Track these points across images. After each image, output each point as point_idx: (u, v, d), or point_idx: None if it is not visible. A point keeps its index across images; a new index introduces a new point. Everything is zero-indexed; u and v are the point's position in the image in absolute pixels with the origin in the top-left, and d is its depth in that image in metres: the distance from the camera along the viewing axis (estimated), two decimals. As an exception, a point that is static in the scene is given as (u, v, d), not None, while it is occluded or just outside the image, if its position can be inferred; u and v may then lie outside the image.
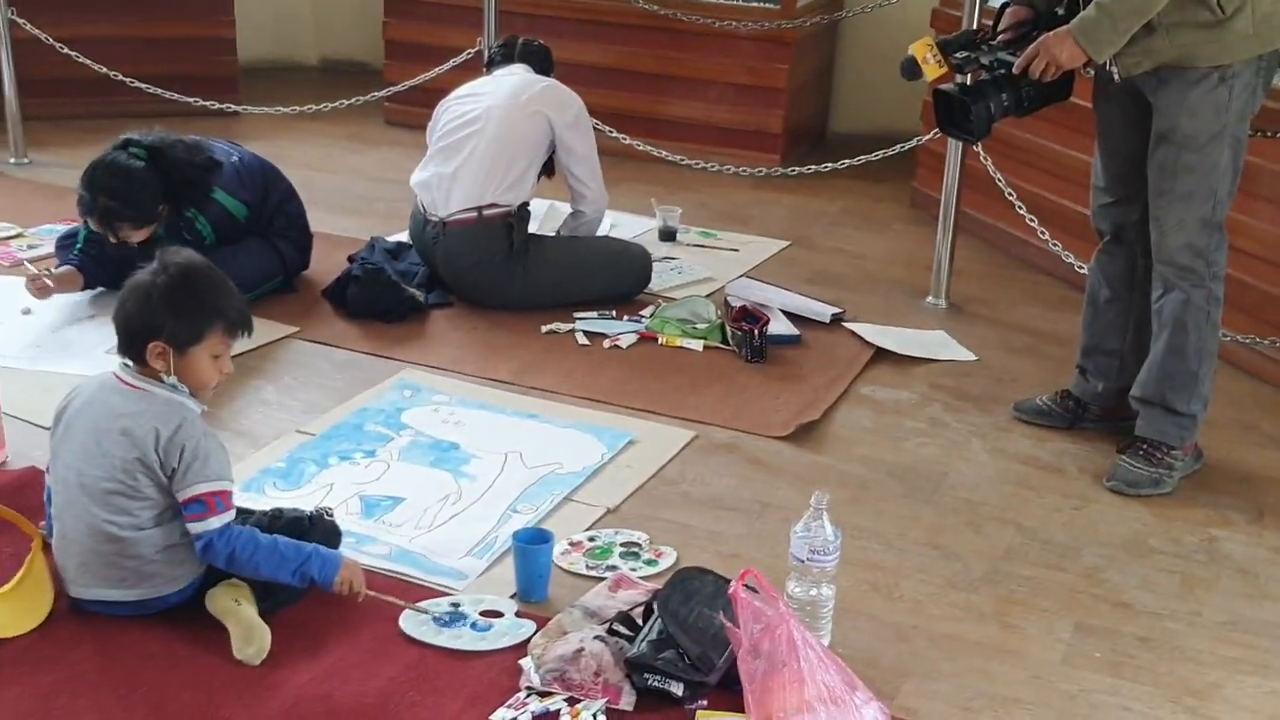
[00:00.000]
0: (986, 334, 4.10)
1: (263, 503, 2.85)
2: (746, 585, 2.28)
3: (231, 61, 6.02)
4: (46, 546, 2.57)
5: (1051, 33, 3.03)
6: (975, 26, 3.33)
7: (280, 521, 2.59)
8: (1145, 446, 3.23)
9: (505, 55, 4.30)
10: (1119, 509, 3.13)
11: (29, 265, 3.97)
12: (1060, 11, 3.14)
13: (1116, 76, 3.07)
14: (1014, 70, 3.10)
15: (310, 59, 7.05)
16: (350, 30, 6.94)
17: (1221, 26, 2.92)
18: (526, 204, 4.05)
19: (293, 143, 5.67)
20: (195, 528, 2.40)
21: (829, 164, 4.83)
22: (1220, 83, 2.97)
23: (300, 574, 2.45)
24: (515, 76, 4.15)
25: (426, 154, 4.17)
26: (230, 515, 2.43)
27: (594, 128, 4.25)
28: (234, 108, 5.60)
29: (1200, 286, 3.11)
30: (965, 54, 3.22)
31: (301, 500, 2.92)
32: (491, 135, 3.97)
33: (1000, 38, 3.21)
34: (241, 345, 3.62)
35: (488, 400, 3.47)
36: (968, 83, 3.31)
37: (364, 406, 3.40)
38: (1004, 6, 3.26)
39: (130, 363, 2.47)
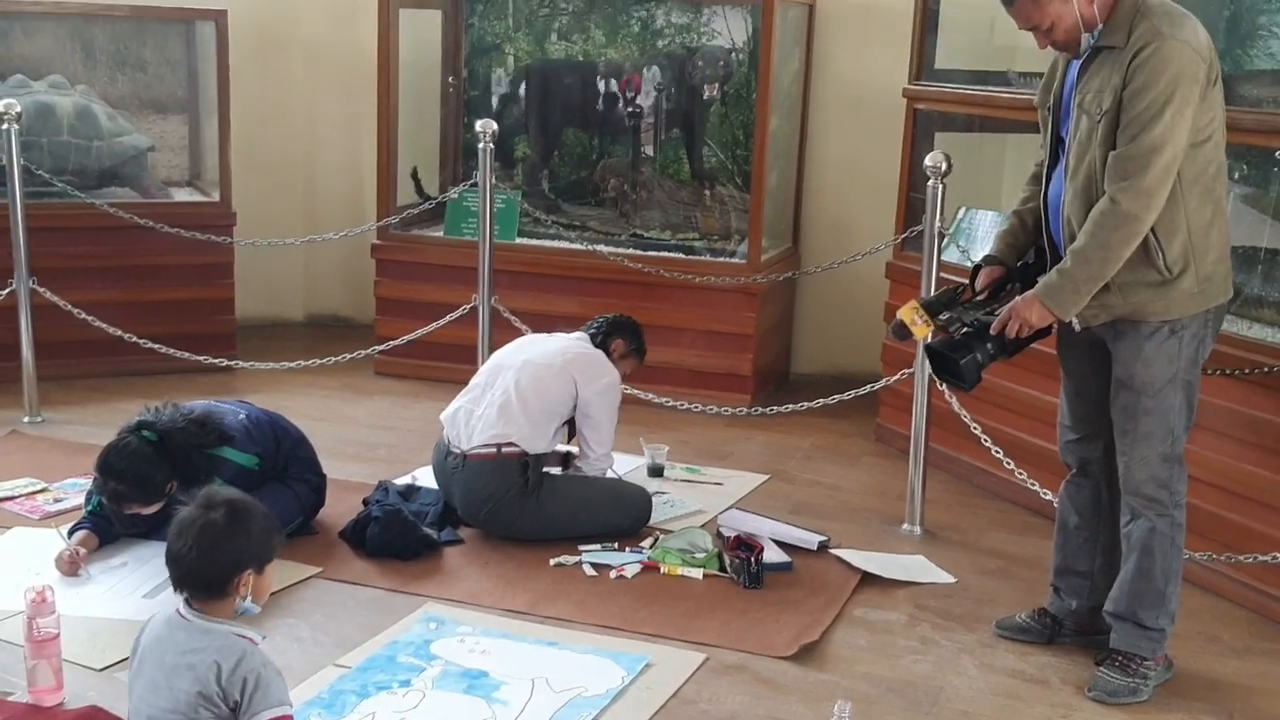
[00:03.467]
0: (961, 558, 4.40)
1: (311, 733, 3.05)
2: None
3: (230, 320, 6.36)
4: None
5: (1020, 298, 3.39)
6: (954, 286, 3.69)
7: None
8: (1120, 658, 3.51)
9: (596, 329, 4.67)
10: (1103, 716, 3.39)
11: (60, 533, 4.15)
12: (1030, 260, 3.55)
13: (1077, 327, 3.44)
14: (992, 332, 3.45)
15: (297, 315, 7.42)
16: (337, 289, 7.34)
17: (1169, 285, 3.29)
18: (544, 453, 4.35)
19: (289, 395, 5.97)
20: None
21: (800, 404, 5.20)
22: (1171, 335, 3.34)
23: None
24: (563, 341, 4.54)
25: (465, 388, 4.50)
26: None
27: None
28: (229, 363, 5.92)
29: (1165, 515, 3.43)
30: (948, 315, 3.58)
31: (348, 729, 3.13)
32: (519, 384, 4.32)
33: (979, 297, 3.59)
34: (270, 588, 3.90)
35: (508, 630, 3.71)
36: (955, 337, 3.58)
37: (394, 639, 3.61)
38: (977, 267, 3.66)
39: (190, 600, 2.68)
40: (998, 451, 4.52)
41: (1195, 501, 3.87)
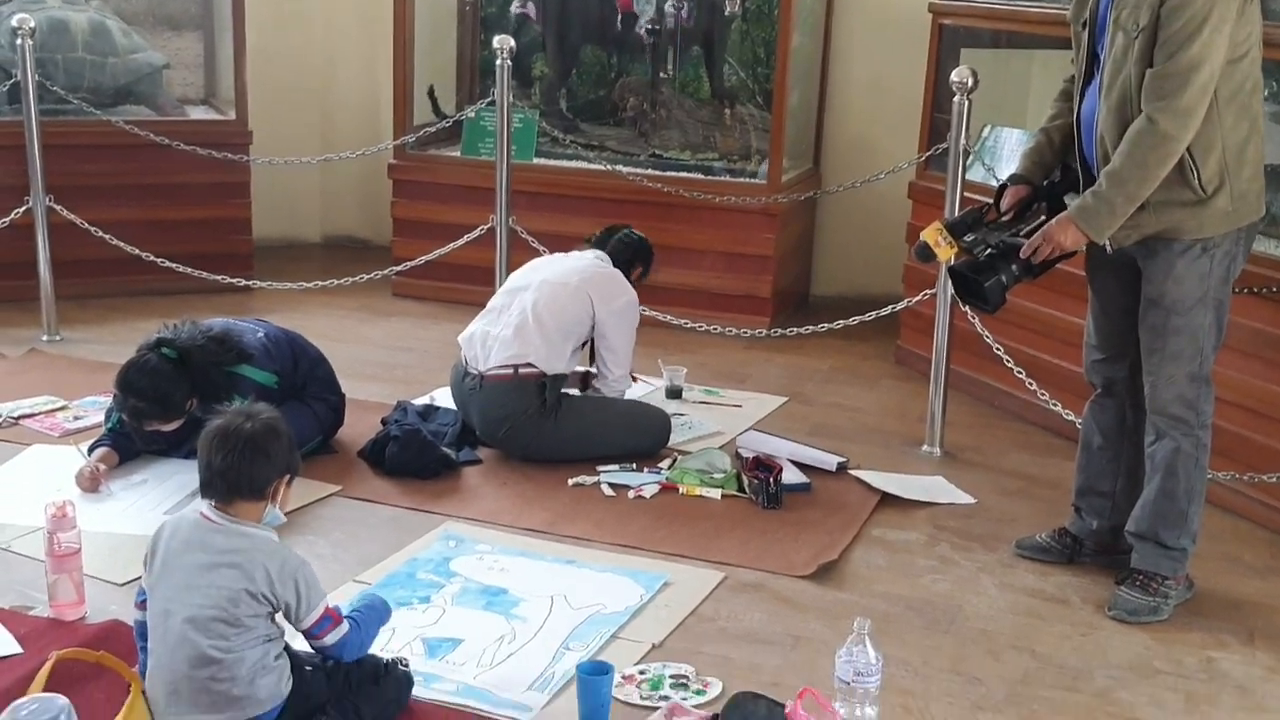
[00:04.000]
0: (981, 479, 4.38)
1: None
2: (805, 704, 2.51)
3: (247, 240, 6.33)
4: (143, 691, 2.76)
5: (1054, 221, 3.33)
6: (979, 206, 3.63)
7: (359, 665, 2.81)
8: (1141, 578, 3.50)
9: (600, 241, 4.64)
10: (1123, 635, 3.38)
11: (80, 450, 4.18)
12: (1056, 179, 3.50)
13: (1109, 249, 3.40)
14: (1021, 256, 3.38)
15: (314, 237, 7.39)
16: (353, 209, 7.30)
17: (1203, 205, 3.25)
18: (562, 374, 4.33)
19: (306, 315, 5.95)
20: (332, 637, 2.72)
21: (820, 325, 5.16)
22: (1203, 253, 3.30)
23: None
24: (579, 260, 4.49)
25: (482, 310, 4.47)
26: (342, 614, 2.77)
27: None
28: (246, 283, 5.91)
29: (1190, 435, 3.41)
30: (973, 236, 3.53)
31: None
32: (536, 303, 4.28)
33: (1004, 217, 3.53)
34: (290, 503, 3.90)
35: (527, 548, 3.71)
36: (979, 259, 3.53)
37: (413, 557, 3.62)
38: (1003, 187, 3.61)
39: (217, 505, 2.71)
40: (1020, 372, 4.49)
41: (1219, 422, 3.82)
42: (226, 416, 2.75)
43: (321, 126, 7.14)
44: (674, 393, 5.02)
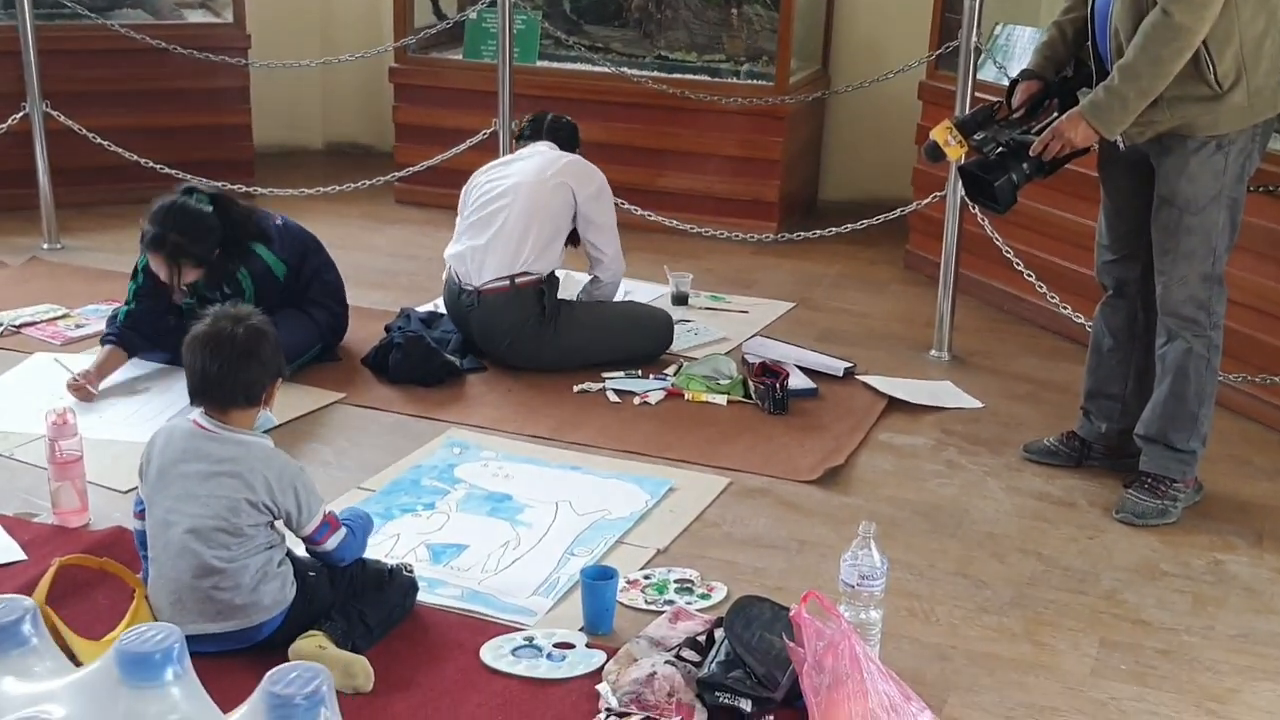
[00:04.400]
0: (989, 383, 4.35)
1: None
2: (809, 607, 2.50)
3: (248, 146, 6.26)
4: (146, 596, 2.76)
5: (1064, 116, 3.27)
6: (989, 104, 3.55)
7: (363, 570, 2.80)
8: (1150, 480, 3.47)
9: (534, 131, 4.56)
10: (1130, 537, 3.36)
11: (63, 365, 4.16)
12: (1069, 74, 3.42)
13: (1122, 145, 3.33)
14: (1031, 153, 3.31)
15: (316, 143, 7.31)
16: (355, 116, 7.21)
17: (1218, 100, 3.17)
18: (555, 272, 4.29)
19: (309, 222, 5.85)
20: (333, 542, 2.73)
21: (828, 230, 5.09)
22: (1217, 150, 3.23)
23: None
24: (540, 155, 4.40)
25: (458, 228, 4.40)
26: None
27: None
28: (247, 189, 5.82)
29: (1201, 336, 3.36)
30: (983, 134, 3.45)
31: (371, 550, 3.12)
32: (521, 208, 4.22)
33: (1015, 114, 3.46)
34: (293, 411, 3.89)
35: (531, 455, 3.69)
36: (990, 158, 3.46)
37: (418, 464, 3.60)
38: (1014, 83, 3.53)
39: (209, 413, 2.69)
40: (1029, 275, 4.44)
41: (1230, 323, 3.78)
42: (212, 321, 2.71)
43: (322, 30, 7.03)
44: (680, 299, 4.98)
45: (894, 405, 4.12)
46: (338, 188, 5.76)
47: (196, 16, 6.42)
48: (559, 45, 6.09)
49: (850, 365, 4.34)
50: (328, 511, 2.74)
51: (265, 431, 2.78)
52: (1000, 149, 3.43)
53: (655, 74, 5.92)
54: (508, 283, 4.19)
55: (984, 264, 4.89)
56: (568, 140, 4.53)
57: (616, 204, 5.23)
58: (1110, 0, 3.25)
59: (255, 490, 2.61)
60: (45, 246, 5.41)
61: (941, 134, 3.51)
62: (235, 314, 2.74)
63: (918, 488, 3.60)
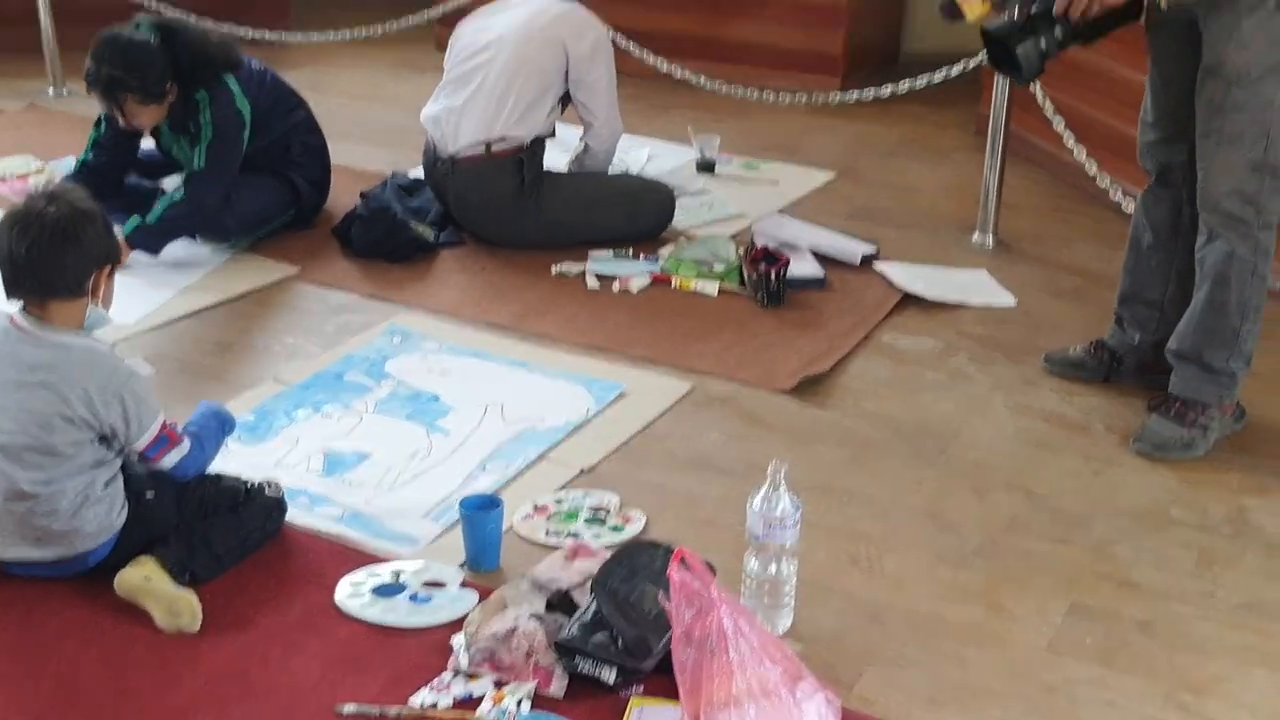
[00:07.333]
0: (1032, 275, 3.82)
1: (226, 458, 2.74)
2: (678, 570, 2.10)
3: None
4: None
5: None
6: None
7: (216, 488, 2.49)
8: (1179, 405, 2.96)
9: None
10: (1143, 474, 2.87)
11: None
12: None
13: (1164, 4, 2.76)
14: (1056, 11, 2.78)
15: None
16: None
17: None
18: (541, 138, 3.85)
19: (338, 70, 5.55)
20: (170, 459, 2.42)
21: (885, 87, 4.54)
22: (1277, 10, 2.65)
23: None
24: (535, 2, 3.93)
25: (438, 86, 3.98)
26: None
27: (647, 55, 4.00)
28: (270, 37, 5.45)
29: (1247, 237, 2.81)
30: None
31: (266, 454, 2.83)
32: (502, 65, 3.78)
33: None
34: (240, 288, 3.59)
35: (480, 347, 3.32)
36: (1015, 18, 2.95)
37: (349, 354, 3.26)
38: None
39: (28, 308, 2.36)
40: (1080, 148, 3.85)
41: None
42: (25, 199, 2.37)
43: None
44: (706, 165, 4.49)
45: (911, 299, 3.63)
46: (364, 32, 5.34)
47: None
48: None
49: (871, 251, 3.83)
50: (166, 423, 2.41)
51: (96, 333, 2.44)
52: (1027, 8, 2.87)
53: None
54: (483, 149, 3.77)
55: (1050, 129, 4.27)
56: None
57: (662, 64, 4.75)
58: None
59: (70, 404, 2.29)
60: (51, 93, 5.16)
61: None
62: (52, 191, 2.39)
63: (908, 402, 3.14)
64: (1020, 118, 4.15)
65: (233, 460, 2.73)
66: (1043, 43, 2.82)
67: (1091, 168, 3.81)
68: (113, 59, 3.55)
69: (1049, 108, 3.91)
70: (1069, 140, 3.87)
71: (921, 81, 4.42)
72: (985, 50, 3.03)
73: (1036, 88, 3.91)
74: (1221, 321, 2.88)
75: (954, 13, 3.01)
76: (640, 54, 4.78)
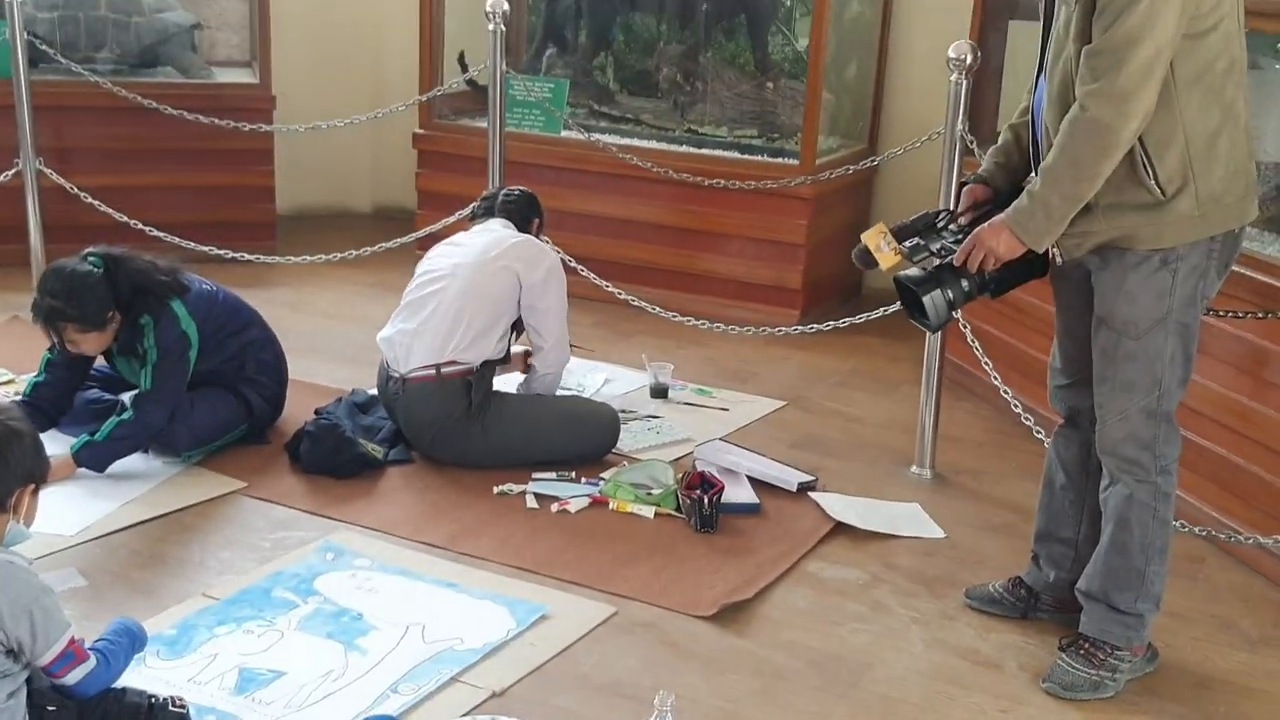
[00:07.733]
0: (965, 509, 3.89)
1: (142, 673, 2.79)
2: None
3: (269, 209, 6.11)
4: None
5: (987, 223, 2.86)
6: (936, 209, 3.15)
7: (119, 705, 2.52)
8: (1088, 645, 2.99)
9: (486, 209, 4.30)
10: (1052, 713, 2.89)
11: None
12: (1032, 183, 2.99)
13: (1059, 259, 2.90)
14: (954, 263, 2.92)
15: (365, 207, 7.18)
16: (401, 180, 7.04)
17: (1162, 208, 2.72)
18: (492, 362, 3.98)
19: (317, 290, 5.73)
20: (75, 675, 2.44)
21: (843, 320, 4.66)
22: (1162, 266, 2.78)
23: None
24: (490, 234, 4.12)
25: (396, 309, 4.14)
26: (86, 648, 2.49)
27: (611, 285, 4.16)
28: (249, 257, 5.62)
29: (1145, 482, 2.89)
30: (915, 241, 3.04)
31: (180, 670, 2.86)
32: (455, 292, 3.94)
33: (960, 220, 3.04)
34: (184, 501, 3.66)
35: (410, 566, 3.38)
36: (922, 268, 3.07)
37: (279, 570, 3.32)
38: (963, 185, 3.12)
39: None
40: (1007, 392, 3.98)
41: (1237, 461, 3.33)
42: None
43: (372, 88, 6.88)
44: (659, 391, 4.62)
45: (842, 529, 3.70)
46: (348, 254, 5.55)
47: (244, 76, 6.28)
48: (593, 114, 5.82)
49: (808, 480, 3.92)
50: (74, 639, 2.46)
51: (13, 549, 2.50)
52: (935, 260, 3.01)
53: (682, 149, 5.61)
54: (433, 372, 3.90)
55: (1002, 368, 4.39)
56: (522, 215, 4.24)
57: (618, 293, 4.91)
58: (1045, 94, 2.83)
59: None
60: (36, 305, 5.32)
61: (874, 238, 3.09)
62: None
63: (826, 633, 3.18)
64: (964, 352, 4.29)
65: (147, 675, 2.77)
66: (949, 293, 2.95)
67: (1018, 406, 3.91)
68: (54, 290, 3.70)
69: (977, 346, 4.04)
70: (995, 379, 3.99)
71: (878, 314, 4.56)
72: (899, 298, 3.16)
73: (964, 325, 4.05)
74: (1126, 563, 2.93)
75: (869, 261, 3.15)
76: (604, 284, 4.96)
